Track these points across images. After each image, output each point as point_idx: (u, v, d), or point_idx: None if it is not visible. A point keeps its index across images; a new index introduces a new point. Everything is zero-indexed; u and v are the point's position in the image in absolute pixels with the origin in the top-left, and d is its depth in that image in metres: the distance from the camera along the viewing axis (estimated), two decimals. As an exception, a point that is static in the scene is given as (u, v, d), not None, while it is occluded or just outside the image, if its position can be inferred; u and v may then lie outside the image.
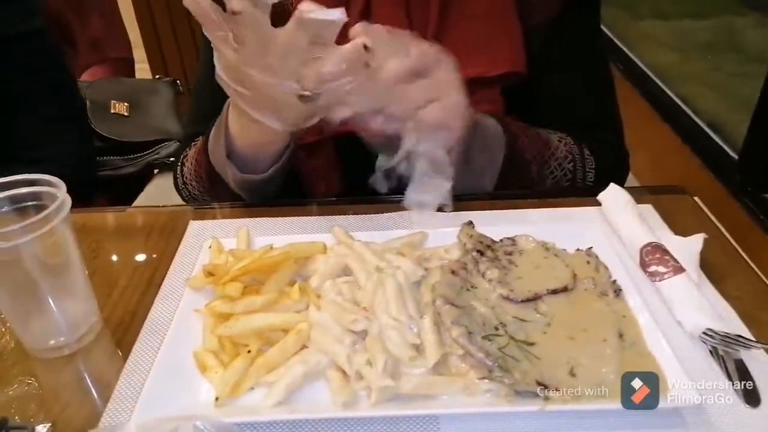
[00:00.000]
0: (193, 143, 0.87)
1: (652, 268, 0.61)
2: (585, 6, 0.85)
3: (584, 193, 0.74)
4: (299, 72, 0.56)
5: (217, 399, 0.50)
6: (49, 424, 0.51)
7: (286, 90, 0.57)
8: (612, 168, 0.85)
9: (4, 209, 0.55)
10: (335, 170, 0.84)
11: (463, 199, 0.75)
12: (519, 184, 0.76)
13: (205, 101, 0.88)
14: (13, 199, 0.55)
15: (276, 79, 0.57)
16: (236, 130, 0.71)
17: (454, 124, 0.62)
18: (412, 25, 0.79)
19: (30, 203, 0.55)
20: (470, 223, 0.67)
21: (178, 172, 0.88)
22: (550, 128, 0.81)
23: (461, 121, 0.63)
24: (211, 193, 0.82)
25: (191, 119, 0.95)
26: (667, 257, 0.62)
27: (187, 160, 0.86)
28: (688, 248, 0.64)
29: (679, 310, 0.57)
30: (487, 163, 0.74)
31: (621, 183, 0.85)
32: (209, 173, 0.78)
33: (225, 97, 0.79)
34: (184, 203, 0.88)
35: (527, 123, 0.79)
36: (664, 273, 0.60)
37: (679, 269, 0.60)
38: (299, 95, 0.57)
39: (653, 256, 0.62)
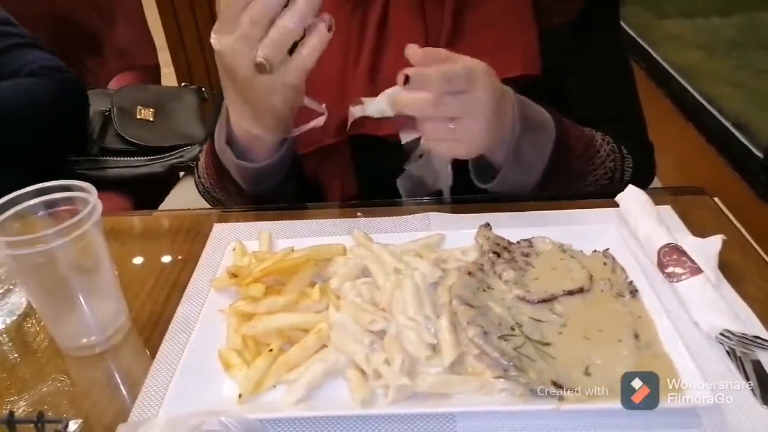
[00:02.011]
0: (201, 149, 0.93)
1: (670, 269, 0.62)
2: (606, 6, 0.86)
3: (602, 194, 0.75)
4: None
5: (240, 396, 0.52)
6: (81, 420, 0.53)
7: (242, 56, 0.59)
8: (642, 164, 0.85)
9: (39, 213, 0.58)
10: (350, 172, 0.86)
11: (480, 201, 0.77)
12: (562, 180, 0.76)
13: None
14: (48, 204, 0.58)
15: (238, 44, 0.59)
16: (233, 117, 0.72)
17: (469, 145, 0.64)
18: (427, 30, 0.80)
19: (63, 208, 0.58)
20: (487, 225, 0.68)
21: (196, 166, 0.92)
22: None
23: (477, 144, 0.65)
24: (219, 185, 0.83)
25: (215, 118, 0.97)
26: (684, 258, 0.62)
27: (202, 154, 0.89)
28: (706, 249, 0.64)
29: (696, 311, 0.57)
30: (536, 157, 0.74)
31: (651, 179, 0.84)
32: (216, 163, 0.79)
33: None
34: (209, 207, 0.90)
35: None
36: (682, 274, 0.60)
37: (696, 270, 0.60)
38: (255, 64, 0.59)
39: (671, 257, 0.62)
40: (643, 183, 0.77)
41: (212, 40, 0.63)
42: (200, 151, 0.95)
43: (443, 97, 0.59)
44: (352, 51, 0.82)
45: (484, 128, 0.63)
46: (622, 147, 0.83)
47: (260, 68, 0.59)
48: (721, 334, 0.55)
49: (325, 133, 0.81)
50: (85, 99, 1.35)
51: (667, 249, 0.63)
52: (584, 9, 0.82)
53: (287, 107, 0.67)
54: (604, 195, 0.74)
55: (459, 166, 0.76)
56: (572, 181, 0.77)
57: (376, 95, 0.64)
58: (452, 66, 0.60)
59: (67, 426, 0.50)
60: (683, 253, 0.62)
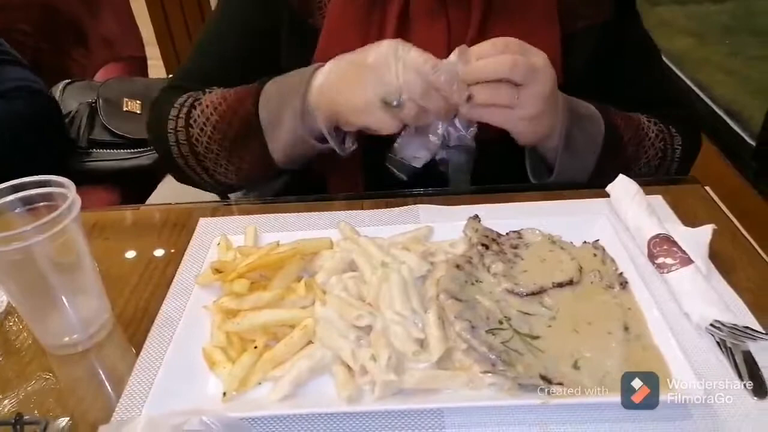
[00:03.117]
0: (196, 99, 0.80)
1: (660, 260, 0.61)
2: (632, 5, 0.86)
3: (592, 184, 0.74)
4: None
5: (224, 394, 0.51)
6: (67, 418, 0.52)
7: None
8: (691, 142, 0.85)
9: (16, 210, 0.56)
10: (356, 165, 0.84)
11: (469, 192, 0.76)
12: (616, 166, 0.76)
13: (211, 61, 0.87)
14: (26, 200, 0.57)
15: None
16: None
17: (525, 119, 0.68)
18: (449, 32, 0.78)
19: (41, 204, 0.57)
20: (476, 216, 0.67)
21: (178, 125, 0.79)
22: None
23: (534, 119, 0.68)
24: (227, 149, 0.78)
25: (187, 74, 0.89)
26: (675, 249, 0.61)
27: (198, 105, 0.79)
28: (696, 239, 0.63)
29: (686, 302, 0.57)
30: (587, 144, 0.75)
31: (696, 157, 0.86)
32: (245, 128, 0.75)
33: (234, 61, 0.81)
34: (195, 201, 0.88)
35: None
36: (672, 265, 0.60)
37: (687, 261, 0.60)
38: (383, 101, 0.66)
39: (661, 248, 0.62)
40: (691, 161, 0.80)
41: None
42: (161, 99, 0.85)
43: (515, 62, 0.63)
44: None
45: (543, 104, 0.66)
46: (670, 126, 0.83)
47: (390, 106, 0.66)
48: (711, 325, 0.54)
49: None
50: (61, 120, 1.32)
51: (657, 239, 0.62)
52: (614, 10, 0.81)
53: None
54: (594, 185, 0.73)
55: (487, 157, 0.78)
56: (626, 166, 0.77)
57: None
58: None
59: (46, 427, 0.49)
60: (674, 243, 0.62)
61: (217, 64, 0.85)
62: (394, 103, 0.65)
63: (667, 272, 0.60)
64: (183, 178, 0.86)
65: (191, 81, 0.85)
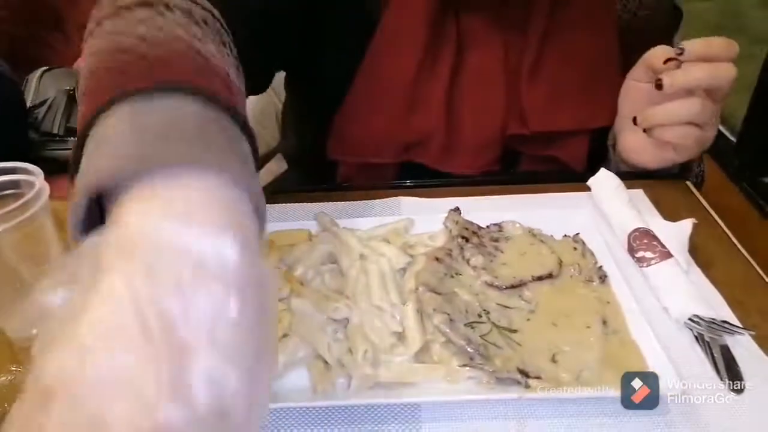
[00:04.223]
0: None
1: (640, 254, 0.61)
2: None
3: (574, 178, 0.74)
4: None
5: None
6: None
7: None
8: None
9: (-19, 198, 0.55)
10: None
11: (450, 185, 0.75)
12: None
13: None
14: (-10, 188, 0.55)
15: None
16: None
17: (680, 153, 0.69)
18: (507, 62, 0.75)
19: (8, 192, 0.55)
20: (457, 209, 0.67)
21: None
22: None
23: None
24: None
25: None
26: (654, 243, 0.61)
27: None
28: (677, 233, 0.63)
29: (665, 296, 0.57)
30: None
31: None
32: None
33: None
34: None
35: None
36: (651, 258, 0.60)
37: (666, 255, 0.60)
38: None
39: (641, 242, 0.62)
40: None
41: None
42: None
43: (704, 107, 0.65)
44: (425, 67, 0.74)
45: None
46: None
47: None
48: (690, 319, 0.54)
49: (380, 151, 0.77)
50: (21, 108, 1.29)
51: (637, 233, 0.62)
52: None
53: None
54: (576, 179, 0.73)
55: None
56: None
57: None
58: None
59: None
60: (654, 237, 0.62)
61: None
62: None
63: (647, 266, 0.60)
64: None
65: None
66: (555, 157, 0.80)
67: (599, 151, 0.81)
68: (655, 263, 0.59)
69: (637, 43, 0.73)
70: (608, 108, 0.77)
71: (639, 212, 0.65)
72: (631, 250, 0.62)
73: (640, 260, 0.60)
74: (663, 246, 0.60)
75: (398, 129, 0.75)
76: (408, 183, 0.77)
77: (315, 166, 0.82)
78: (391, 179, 0.80)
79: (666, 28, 0.82)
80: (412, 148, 0.77)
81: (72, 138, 1.30)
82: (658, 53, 0.67)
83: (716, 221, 0.69)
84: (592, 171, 0.71)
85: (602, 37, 0.77)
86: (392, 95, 0.75)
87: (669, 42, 0.75)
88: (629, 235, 0.62)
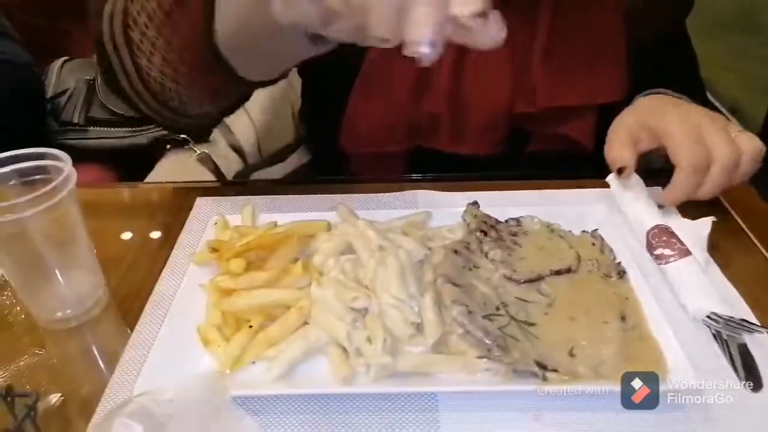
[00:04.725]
0: None
1: (659, 251, 0.61)
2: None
3: (592, 175, 0.74)
4: None
5: (218, 372, 0.51)
6: (59, 394, 0.52)
7: None
8: None
9: (11, 182, 0.56)
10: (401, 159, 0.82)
11: (468, 179, 0.75)
12: None
13: None
14: (21, 173, 0.56)
15: None
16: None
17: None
18: (514, 62, 0.76)
19: (37, 177, 0.56)
20: (475, 203, 0.67)
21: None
22: None
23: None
24: (162, 42, 0.60)
25: None
26: (673, 240, 0.61)
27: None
28: (695, 231, 0.63)
29: (683, 294, 0.57)
30: None
31: None
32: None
33: None
34: (192, 181, 0.87)
35: None
36: (670, 256, 0.60)
37: (685, 252, 0.60)
38: None
39: (660, 239, 0.62)
40: None
41: None
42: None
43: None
44: None
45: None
46: None
47: None
48: (708, 317, 0.54)
49: (391, 139, 0.78)
50: (40, 100, 1.30)
51: (656, 231, 0.62)
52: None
53: None
54: (594, 176, 0.73)
55: None
56: None
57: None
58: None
59: (37, 400, 0.49)
60: (672, 234, 0.62)
61: None
62: None
63: (665, 263, 0.60)
64: (125, 99, 0.67)
65: None
66: (563, 134, 0.79)
67: (607, 128, 0.80)
68: (674, 261, 0.59)
69: (643, 19, 0.74)
70: (615, 83, 0.77)
71: (657, 209, 0.65)
72: (650, 247, 0.62)
73: (658, 257, 0.61)
74: (682, 243, 0.60)
75: (407, 115, 0.75)
76: (423, 176, 0.77)
77: (329, 160, 0.82)
78: (402, 169, 0.81)
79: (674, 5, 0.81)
80: (421, 134, 0.77)
81: (92, 128, 1.32)
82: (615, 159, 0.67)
83: (735, 219, 0.69)
84: (601, 147, 0.71)
85: (609, 13, 0.76)
86: (398, 82, 0.75)
87: (679, 24, 0.76)
88: (648, 232, 0.63)
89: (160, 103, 0.65)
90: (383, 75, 0.75)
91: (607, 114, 0.78)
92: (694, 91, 0.85)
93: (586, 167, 0.75)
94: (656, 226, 0.63)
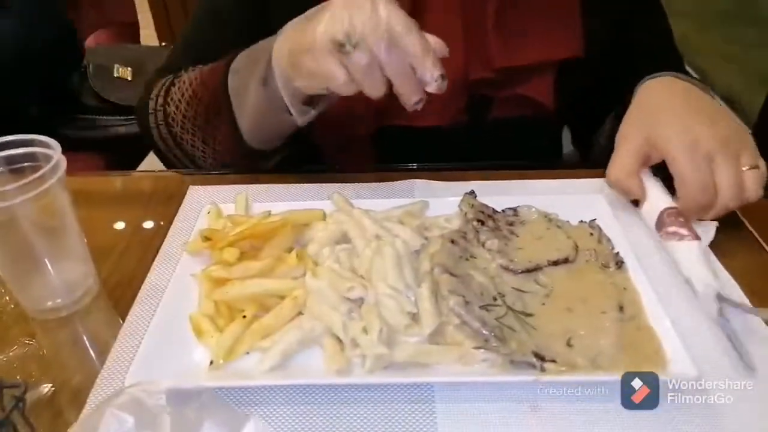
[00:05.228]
0: (176, 76, 0.77)
1: (672, 229, 0.59)
2: None
3: (591, 165, 0.73)
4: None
5: (211, 362, 0.50)
6: (50, 385, 0.51)
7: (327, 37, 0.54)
8: None
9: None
10: (370, 161, 0.82)
11: (467, 168, 0.74)
12: None
13: (204, 36, 0.83)
14: (9, 160, 0.55)
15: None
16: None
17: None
18: (467, 30, 0.75)
19: (26, 164, 0.55)
20: (472, 192, 0.66)
21: (158, 104, 0.76)
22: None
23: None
24: (204, 128, 0.73)
25: (184, 50, 0.84)
26: (688, 224, 0.60)
27: (177, 81, 0.75)
28: (701, 230, 0.62)
29: (692, 269, 0.56)
30: None
31: None
32: (216, 101, 0.70)
33: (237, 41, 0.73)
34: (181, 170, 0.85)
35: (583, 94, 0.80)
36: (685, 235, 0.59)
37: (697, 237, 0.59)
38: (333, 41, 0.53)
39: (676, 219, 0.60)
40: None
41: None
42: (174, 78, 0.77)
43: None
44: None
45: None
46: None
47: (342, 48, 0.54)
48: (717, 296, 0.53)
49: (358, 123, 0.78)
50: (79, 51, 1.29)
51: (673, 211, 0.61)
52: None
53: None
54: (592, 165, 0.72)
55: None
56: None
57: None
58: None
59: (26, 391, 0.48)
60: (688, 220, 0.61)
61: (219, 38, 0.81)
62: (346, 46, 0.52)
63: (679, 240, 0.58)
64: (169, 164, 0.82)
65: (190, 60, 0.80)
66: (524, 96, 0.79)
67: (567, 88, 0.80)
68: (688, 240, 0.58)
69: None
70: (571, 39, 0.77)
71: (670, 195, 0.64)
72: (662, 225, 0.60)
73: (670, 235, 0.59)
74: (695, 230, 0.59)
75: (368, 97, 0.74)
76: (419, 166, 0.76)
77: (302, 154, 0.82)
78: (371, 152, 0.81)
79: None
80: (385, 113, 0.77)
81: (83, 116, 1.30)
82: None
83: (735, 212, 0.68)
84: (562, 106, 0.69)
85: None
86: None
87: None
88: (663, 211, 0.61)
89: (189, 162, 0.78)
90: None
91: (565, 72, 0.79)
92: (663, 37, 0.86)
93: (549, 130, 0.75)
94: (673, 208, 0.61)
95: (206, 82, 0.72)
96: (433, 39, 0.55)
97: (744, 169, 0.59)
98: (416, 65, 0.54)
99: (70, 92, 1.30)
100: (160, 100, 0.76)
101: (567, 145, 0.98)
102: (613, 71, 0.79)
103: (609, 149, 0.66)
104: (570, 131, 0.97)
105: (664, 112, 0.63)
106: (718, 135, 0.59)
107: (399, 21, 0.53)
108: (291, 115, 0.64)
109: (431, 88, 0.55)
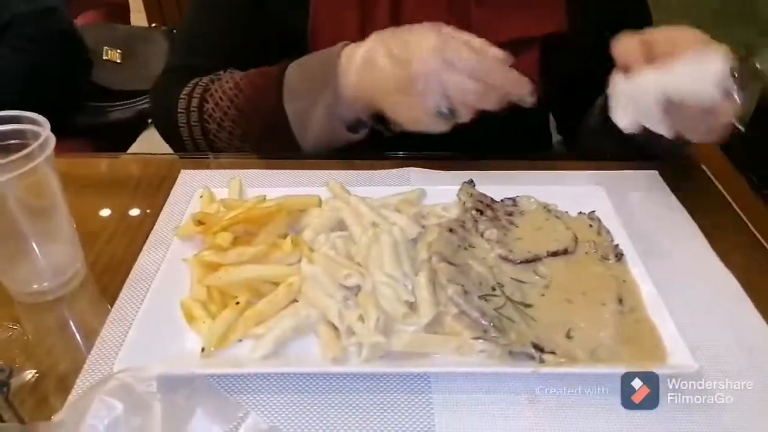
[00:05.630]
0: (201, 79, 0.77)
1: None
2: None
3: (588, 157, 0.72)
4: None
5: (203, 350, 0.49)
6: (34, 371, 0.49)
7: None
8: None
9: (-16, 147, 0.53)
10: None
11: (464, 157, 0.73)
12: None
13: (209, 27, 0.82)
14: (-4, 137, 0.53)
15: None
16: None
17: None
18: (451, 13, 0.74)
19: (12, 141, 0.53)
20: (471, 181, 0.65)
21: (190, 105, 0.75)
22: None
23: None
24: (253, 145, 0.75)
25: (187, 48, 0.85)
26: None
27: (210, 97, 0.74)
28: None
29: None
30: None
31: None
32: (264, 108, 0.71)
33: (236, 29, 0.76)
34: (175, 152, 0.84)
35: (568, 77, 0.80)
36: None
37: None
38: (438, 113, 0.61)
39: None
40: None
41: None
42: (166, 81, 0.80)
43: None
44: (367, 18, 0.76)
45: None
46: None
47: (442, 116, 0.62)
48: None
49: None
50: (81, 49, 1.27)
51: None
52: None
53: None
54: (591, 157, 0.72)
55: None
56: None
57: None
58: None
59: (10, 375, 0.47)
60: None
61: (218, 29, 0.80)
62: (447, 112, 0.61)
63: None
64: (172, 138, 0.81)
65: (193, 55, 0.80)
66: None
67: (552, 66, 0.80)
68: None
69: None
70: (554, 14, 0.76)
71: None
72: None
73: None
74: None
75: None
76: (416, 154, 0.75)
77: None
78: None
79: None
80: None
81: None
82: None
83: (731, 205, 0.68)
84: (548, 90, 0.69)
85: None
86: (344, 28, 0.76)
87: None
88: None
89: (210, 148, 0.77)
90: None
91: (549, 49, 0.78)
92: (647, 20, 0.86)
93: (535, 110, 0.74)
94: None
95: (256, 103, 0.72)
96: (501, 54, 0.62)
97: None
98: (515, 99, 0.61)
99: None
100: (194, 117, 0.75)
101: (555, 135, 0.98)
102: (598, 54, 0.79)
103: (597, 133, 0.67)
104: (555, 119, 0.96)
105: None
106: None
107: (478, 66, 0.60)
108: (357, 132, 0.70)
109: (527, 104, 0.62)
